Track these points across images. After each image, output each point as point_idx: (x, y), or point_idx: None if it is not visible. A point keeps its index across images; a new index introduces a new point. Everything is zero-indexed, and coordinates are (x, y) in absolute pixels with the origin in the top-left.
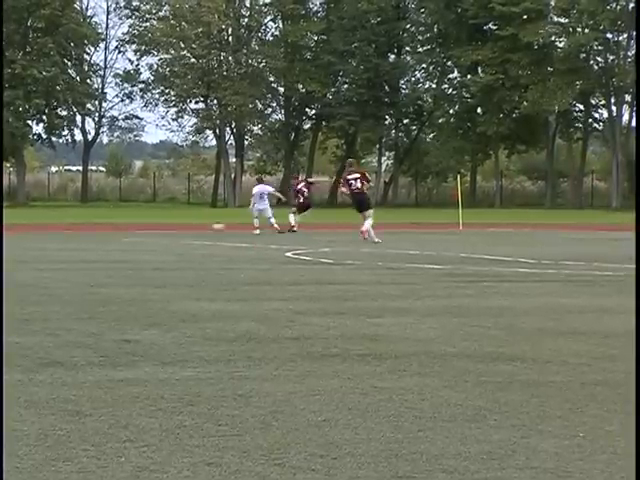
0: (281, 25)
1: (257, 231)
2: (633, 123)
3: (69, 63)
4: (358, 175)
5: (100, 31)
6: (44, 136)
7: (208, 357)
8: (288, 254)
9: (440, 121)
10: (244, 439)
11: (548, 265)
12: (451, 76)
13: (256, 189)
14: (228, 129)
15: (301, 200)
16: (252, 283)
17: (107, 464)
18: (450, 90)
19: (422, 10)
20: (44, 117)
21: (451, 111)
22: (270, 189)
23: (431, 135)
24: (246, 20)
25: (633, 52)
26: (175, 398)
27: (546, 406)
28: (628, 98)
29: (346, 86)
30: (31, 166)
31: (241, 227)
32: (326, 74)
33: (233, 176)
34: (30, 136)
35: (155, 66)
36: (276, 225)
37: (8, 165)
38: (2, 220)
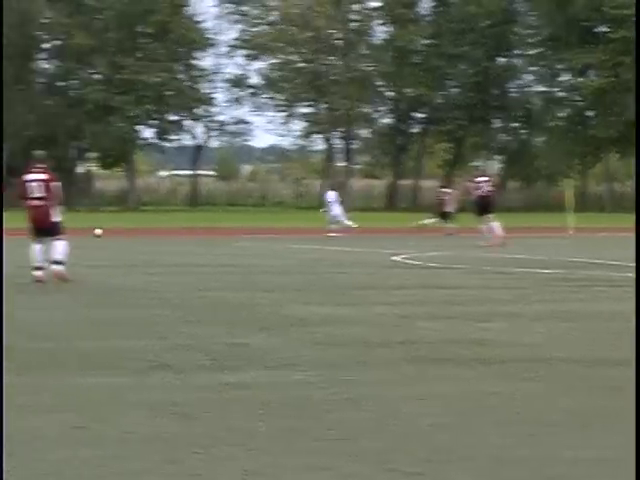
0: (390, 29)
1: (333, 234)
2: None
3: (179, 68)
4: (487, 178)
5: (210, 36)
6: (154, 141)
7: (317, 361)
8: (395, 258)
9: (550, 124)
10: (353, 443)
11: None
12: (561, 79)
13: (332, 195)
14: (336, 133)
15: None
16: (359, 287)
17: (216, 467)
18: (560, 93)
19: (532, 13)
20: (154, 122)
21: (561, 114)
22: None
23: (540, 138)
24: (355, 24)
25: None
26: (285, 402)
27: None
28: None
29: (454, 90)
30: (141, 171)
31: (349, 231)
32: (434, 78)
33: (341, 180)
34: (140, 141)
35: (264, 71)
36: (351, 225)
37: (119, 170)
38: (2, 224)
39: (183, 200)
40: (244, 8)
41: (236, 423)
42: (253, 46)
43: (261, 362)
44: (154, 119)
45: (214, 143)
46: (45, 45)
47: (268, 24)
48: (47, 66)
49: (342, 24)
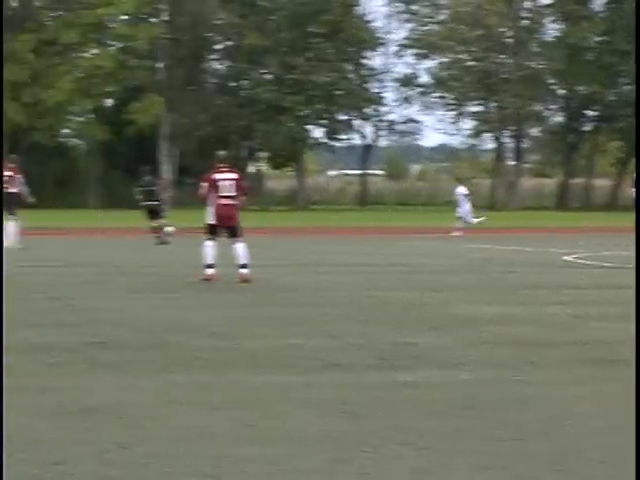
0: (561, 26)
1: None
2: None
3: (349, 68)
4: None
5: (379, 35)
6: (324, 140)
7: (486, 361)
8: (566, 258)
9: None
10: (523, 444)
11: None
12: None
13: (461, 191)
14: (506, 132)
15: None
16: (530, 287)
17: (385, 466)
18: None
19: None
20: (324, 122)
21: None
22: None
23: None
24: (526, 22)
25: None
26: (453, 401)
27: None
28: None
29: (627, 87)
30: (311, 170)
31: (516, 230)
32: (607, 75)
33: (511, 179)
34: (310, 140)
35: (434, 69)
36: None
37: (289, 170)
38: (2, 222)
39: (352, 199)
40: (414, 7)
41: (405, 422)
42: (423, 45)
43: (430, 361)
44: (324, 119)
45: (383, 142)
46: (217, 46)
47: (438, 23)
48: (219, 67)
49: (513, 22)
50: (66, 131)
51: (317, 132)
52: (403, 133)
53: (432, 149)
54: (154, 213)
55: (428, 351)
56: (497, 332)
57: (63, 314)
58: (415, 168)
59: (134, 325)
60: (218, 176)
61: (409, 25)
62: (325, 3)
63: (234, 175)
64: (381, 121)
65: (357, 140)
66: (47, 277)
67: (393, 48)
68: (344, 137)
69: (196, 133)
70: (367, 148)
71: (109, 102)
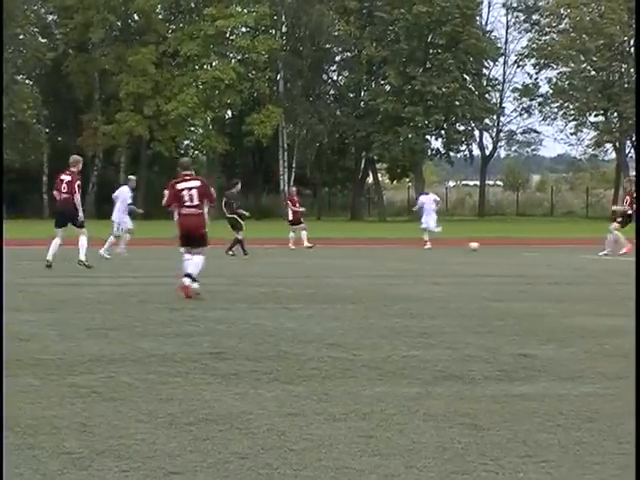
0: None
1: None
2: None
3: (468, 78)
4: None
5: (499, 46)
6: (442, 151)
7: (607, 373)
8: None
9: None
10: None
11: None
12: None
13: (425, 200)
14: (628, 142)
15: None
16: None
17: (505, 478)
18: None
19: None
20: (443, 132)
21: None
22: None
23: None
24: None
25: None
26: (574, 414)
27: None
28: None
29: None
30: (430, 181)
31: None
32: None
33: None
34: (429, 151)
35: (554, 79)
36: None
37: (407, 180)
38: (2, 230)
39: (471, 210)
40: (534, 17)
41: (524, 435)
42: (543, 55)
43: (549, 373)
44: (443, 129)
45: (502, 153)
46: (336, 57)
47: (559, 32)
48: (337, 78)
49: (636, 30)
50: (187, 142)
51: (436, 143)
52: (522, 143)
53: (552, 159)
54: (233, 226)
55: (548, 363)
56: (618, 344)
57: (183, 325)
58: (535, 178)
59: (252, 336)
60: (180, 185)
61: (529, 35)
62: (444, 14)
63: (197, 183)
64: (500, 131)
65: (476, 150)
66: (164, 288)
67: (513, 58)
68: (463, 148)
69: (315, 144)
70: (486, 158)
71: (229, 114)
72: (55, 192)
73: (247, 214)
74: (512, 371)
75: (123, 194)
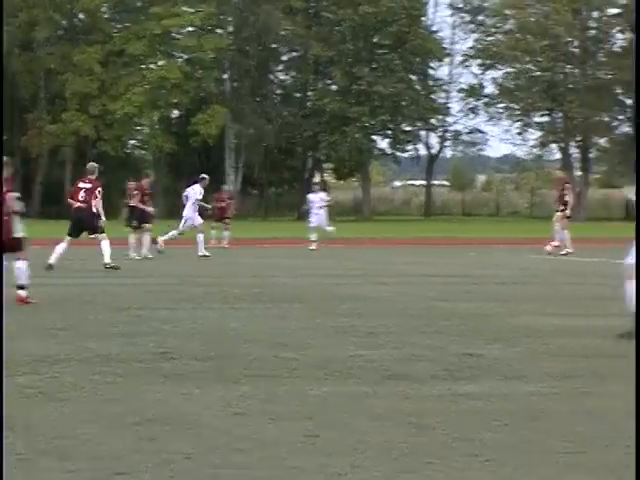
0: (629, 36)
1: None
2: None
3: (414, 79)
4: None
5: (445, 46)
6: (389, 151)
7: (552, 372)
8: None
9: None
10: (589, 456)
11: None
12: None
13: (314, 198)
14: (573, 142)
15: None
16: (595, 298)
17: (451, 477)
18: None
19: None
20: (389, 132)
21: None
22: None
23: None
24: (593, 32)
25: None
26: (519, 413)
27: None
28: None
29: None
30: (376, 181)
31: (583, 241)
32: None
33: (578, 190)
34: (375, 151)
35: (500, 80)
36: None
37: (354, 180)
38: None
39: (417, 210)
40: (480, 17)
41: (470, 434)
42: (488, 55)
43: (494, 373)
44: (389, 129)
45: (448, 153)
46: (282, 57)
47: (504, 33)
48: (284, 77)
49: (580, 32)
50: (133, 142)
51: (382, 143)
52: (468, 143)
53: (498, 159)
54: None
55: (493, 362)
56: (563, 344)
57: (129, 325)
58: (480, 178)
59: (198, 336)
60: (79, 185)
61: (475, 35)
62: (390, 14)
63: (89, 185)
64: (446, 131)
65: (422, 150)
66: (111, 288)
67: (459, 58)
68: (409, 148)
69: (262, 144)
70: (432, 158)
71: (175, 113)
72: (71, 200)
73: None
74: (458, 370)
75: (194, 192)
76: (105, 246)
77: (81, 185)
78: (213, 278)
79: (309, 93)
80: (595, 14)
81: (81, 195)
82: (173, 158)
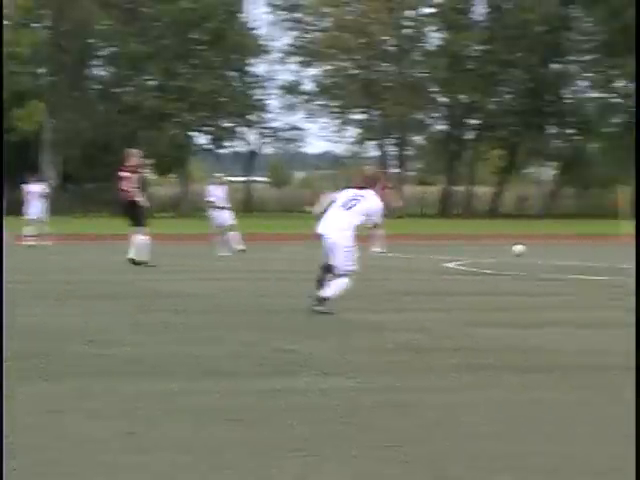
0: (444, 35)
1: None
2: None
3: (233, 75)
4: None
5: (263, 43)
6: (208, 147)
7: (366, 367)
8: (448, 265)
9: (605, 130)
10: (404, 450)
11: None
12: (616, 85)
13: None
14: (390, 140)
15: None
16: (410, 293)
17: (268, 472)
18: (615, 99)
19: (587, 19)
20: (208, 129)
21: (616, 120)
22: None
23: (595, 145)
24: (408, 30)
25: None
26: (335, 408)
27: None
28: None
29: (509, 96)
30: (196, 177)
31: (398, 237)
32: (488, 84)
33: (395, 187)
34: (194, 147)
35: (318, 77)
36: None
37: (174, 176)
38: (2, 224)
39: (237, 206)
40: (297, 15)
41: (287, 429)
42: (307, 53)
43: (312, 368)
44: (208, 125)
45: (267, 150)
46: (100, 52)
47: (322, 31)
48: (102, 73)
49: (396, 30)
50: None
51: (201, 139)
52: (287, 140)
53: (316, 156)
54: None
55: (310, 358)
56: (378, 339)
57: None
58: (299, 175)
59: (12, 333)
60: None
61: (293, 33)
62: (208, 10)
63: None
64: (265, 128)
65: (242, 147)
66: None
67: (277, 55)
68: (228, 144)
69: (80, 140)
70: (251, 155)
71: None
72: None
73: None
74: (275, 366)
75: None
76: (137, 240)
77: (120, 174)
78: (27, 275)
79: (127, 89)
80: (410, 13)
81: (122, 185)
82: None
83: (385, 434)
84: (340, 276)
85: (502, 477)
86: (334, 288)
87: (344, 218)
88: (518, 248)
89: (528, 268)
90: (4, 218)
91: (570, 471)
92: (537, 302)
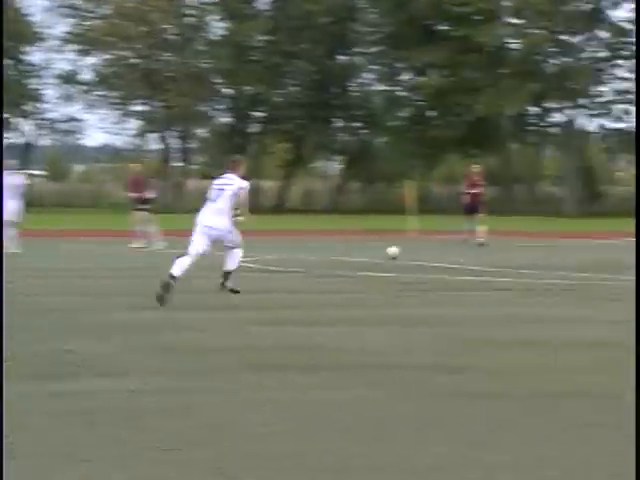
0: (227, 24)
1: None
2: (590, 127)
3: (7, 63)
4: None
5: (38, 30)
6: None
7: (148, 368)
8: None
9: (391, 124)
10: (184, 452)
11: (499, 273)
12: (402, 78)
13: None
14: (173, 132)
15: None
16: (192, 291)
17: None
18: (401, 92)
19: (372, 10)
20: None
21: (402, 114)
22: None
23: (382, 139)
24: (191, 19)
25: (588, 54)
26: (113, 411)
27: (497, 418)
28: (583, 102)
29: (294, 88)
30: None
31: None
32: (273, 76)
33: (178, 180)
34: None
35: (97, 66)
36: None
37: None
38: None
39: None
40: (75, 1)
41: (62, 433)
42: (85, 41)
43: (92, 369)
44: None
45: (44, 141)
46: None
47: (100, 18)
48: None
49: (177, 19)
50: None
51: None
52: (65, 132)
53: (96, 149)
54: None
55: (89, 358)
56: (159, 339)
57: None
58: (79, 168)
59: None
60: None
61: (70, 20)
62: None
63: None
64: (42, 119)
65: (17, 139)
66: None
67: (54, 43)
68: (3, 135)
69: None
70: (27, 147)
71: None
72: None
73: None
74: (51, 368)
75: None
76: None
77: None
78: None
79: None
80: (191, 1)
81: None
82: None
83: (163, 436)
84: (232, 248)
85: (289, 477)
86: (234, 260)
87: (217, 206)
88: (392, 250)
89: (315, 265)
90: (4, 218)
91: (360, 469)
92: (324, 299)
